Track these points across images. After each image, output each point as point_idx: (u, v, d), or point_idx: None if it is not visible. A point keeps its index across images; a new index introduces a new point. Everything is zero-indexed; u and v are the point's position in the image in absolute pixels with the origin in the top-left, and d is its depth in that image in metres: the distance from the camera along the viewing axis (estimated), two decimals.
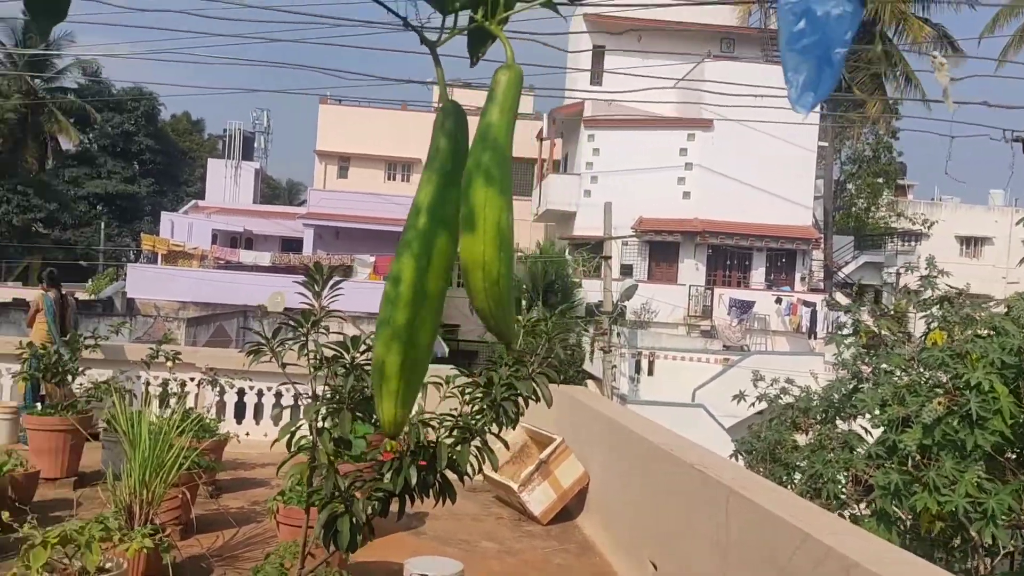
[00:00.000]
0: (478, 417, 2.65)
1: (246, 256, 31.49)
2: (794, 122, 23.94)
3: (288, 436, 2.69)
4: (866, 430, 6.65)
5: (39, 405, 7.61)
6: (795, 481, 7.23)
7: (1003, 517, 5.08)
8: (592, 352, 21.67)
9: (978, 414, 5.23)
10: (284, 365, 3.00)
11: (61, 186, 48.54)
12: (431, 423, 2.72)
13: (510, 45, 0.87)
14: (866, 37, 27.91)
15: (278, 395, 9.13)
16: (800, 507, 3.96)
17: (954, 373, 5.41)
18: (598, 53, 31.52)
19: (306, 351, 2.93)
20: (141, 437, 4.82)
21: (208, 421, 6.68)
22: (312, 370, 2.80)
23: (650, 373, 22.11)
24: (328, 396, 2.68)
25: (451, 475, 2.65)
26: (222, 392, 8.52)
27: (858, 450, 6.46)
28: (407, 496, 2.59)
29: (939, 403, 5.41)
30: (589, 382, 21.50)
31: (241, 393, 8.92)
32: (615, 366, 19.40)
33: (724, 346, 25.89)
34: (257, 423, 9.09)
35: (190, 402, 8.36)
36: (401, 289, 0.85)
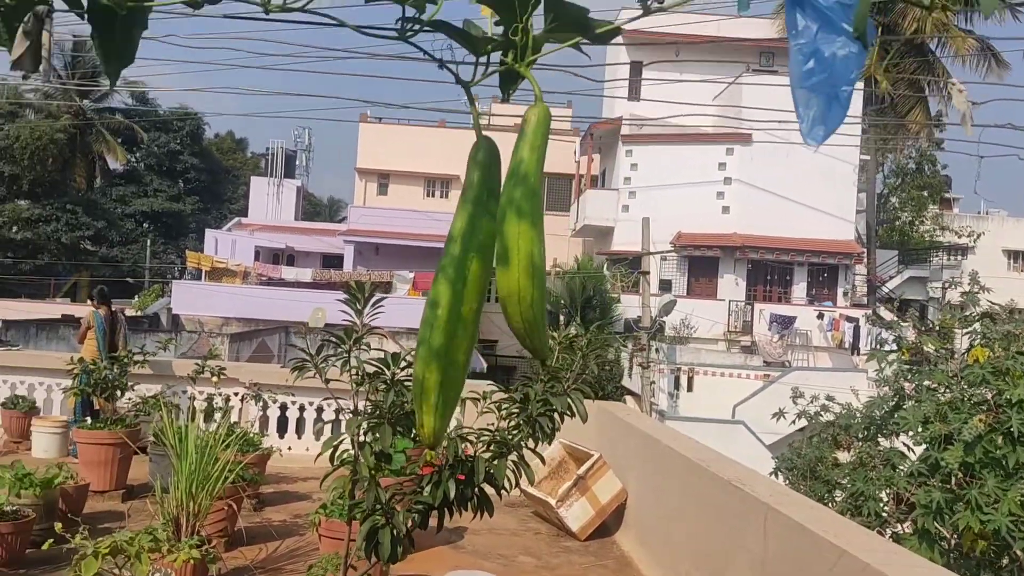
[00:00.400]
0: (515, 432, 2.71)
1: (288, 272, 31.94)
2: (835, 134, 23.74)
3: (331, 450, 2.77)
4: (909, 447, 6.58)
5: (88, 419, 7.82)
6: (836, 499, 7.17)
7: None
8: (631, 368, 21.60)
9: (1020, 431, 5.18)
10: (327, 381, 3.09)
11: (108, 204, 49.73)
12: (468, 438, 2.78)
13: (538, 85, 0.93)
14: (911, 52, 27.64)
15: (319, 410, 9.27)
16: (838, 524, 3.95)
17: (996, 390, 5.35)
18: (635, 68, 31.58)
19: (348, 367, 3.02)
20: (188, 451, 4.96)
21: (252, 435, 6.81)
22: (354, 386, 2.88)
23: (689, 389, 21.96)
24: (369, 411, 2.76)
25: (489, 489, 2.71)
26: (265, 407, 8.67)
27: (900, 468, 6.40)
28: (446, 509, 2.65)
29: (980, 420, 5.35)
30: (628, 398, 21.42)
31: (284, 408, 9.08)
32: (654, 382, 19.31)
33: (765, 362, 25.63)
34: (299, 437, 9.23)
35: (234, 416, 8.53)
36: (439, 312, 0.92)
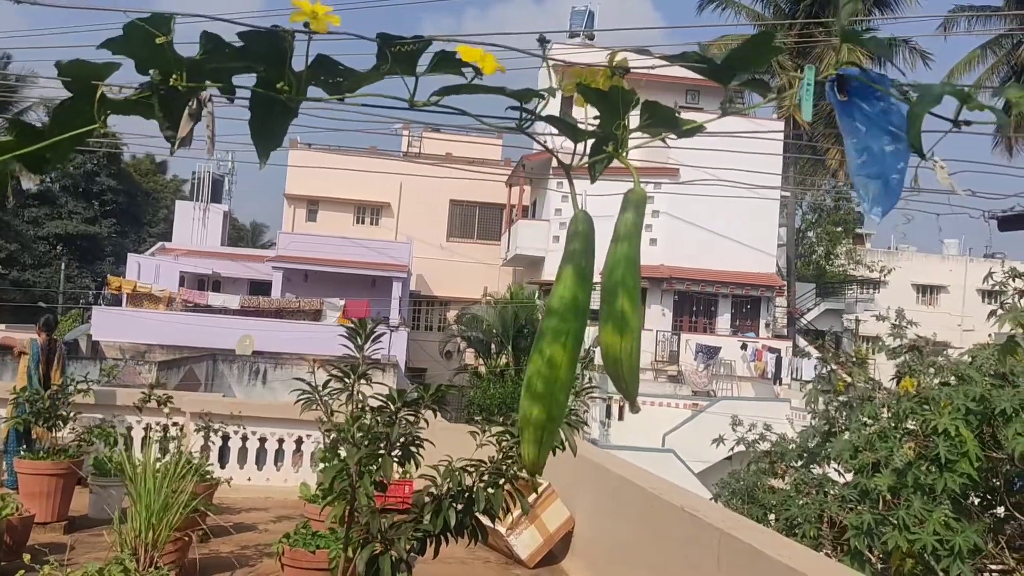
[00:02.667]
0: (509, 462, 2.86)
1: (215, 299, 31.35)
2: (757, 171, 24.66)
3: (331, 479, 2.86)
4: (839, 472, 6.95)
5: (23, 449, 7.63)
6: (770, 522, 7.48)
7: (968, 556, 5.36)
8: (575, 395, 21.82)
9: (946, 458, 5.55)
10: (332, 413, 3.19)
11: (20, 226, 48.03)
12: (468, 469, 2.92)
13: (635, 171, 1.11)
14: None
15: (262, 440, 9.22)
16: (788, 546, 4.19)
17: (923, 419, 5.72)
18: (567, 101, 32.18)
19: (352, 400, 3.12)
20: (147, 481, 4.94)
21: (201, 465, 6.76)
22: (352, 419, 2.99)
23: (620, 418, 22.34)
24: (366, 442, 2.87)
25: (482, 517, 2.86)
26: (207, 436, 8.59)
27: (831, 493, 6.74)
28: (443, 537, 2.78)
29: (909, 448, 5.71)
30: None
31: (226, 438, 8.99)
32: (587, 411, 19.62)
33: (692, 391, 26.25)
34: (241, 467, 9.15)
35: (175, 446, 8.41)
36: (558, 372, 1.10)
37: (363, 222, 38.91)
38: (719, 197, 25.84)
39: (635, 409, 1.20)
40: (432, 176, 29.87)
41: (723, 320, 30.52)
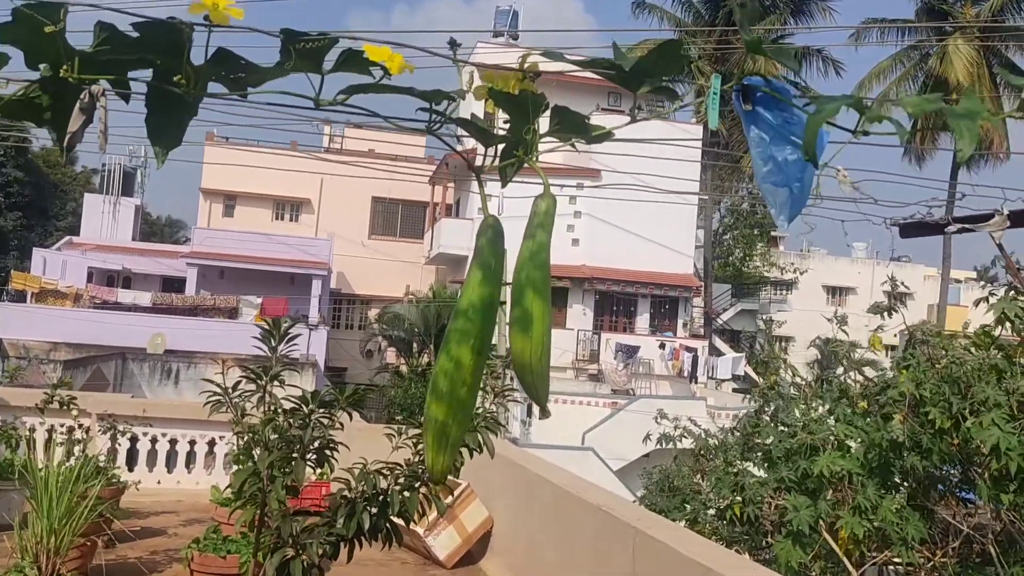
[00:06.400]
0: (424, 466, 2.83)
1: (125, 295, 30.35)
2: (676, 175, 25.12)
3: (241, 483, 2.79)
4: (759, 467, 7.15)
5: None
6: (687, 510, 7.68)
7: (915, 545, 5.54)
8: (493, 396, 21.83)
9: (927, 446, 5.63)
10: (244, 415, 3.10)
11: None
12: (383, 472, 2.88)
13: (545, 176, 1.10)
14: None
15: (173, 442, 8.96)
16: (702, 544, 4.28)
17: (912, 396, 5.77)
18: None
19: (264, 403, 3.05)
20: (48, 486, 4.74)
21: (108, 468, 6.53)
22: (263, 421, 2.91)
23: (541, 417, 22.46)
24: (279, 445, 2.80)
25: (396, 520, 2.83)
26: (114, 438, 8.29)
27: (752, 480, 6.90)
28: (357, 540, 2.74)
29: (900, 418, 5.79)
30: None
31: (134, 440, 8.71)
32: (508, 410, 19.67)
33: (612, 390, 26.59)
34: (150, 470, 8.87)
35: (79, 449, 8.10)
36: (463, 373, 1.09)
37: (282, 218, 38.23)
38: (639, 201, 26.21)
39: (545, 414, 1.19)
40: (354, 175, 29.52)
41: (642, 320, 31.01)
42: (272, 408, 2.99)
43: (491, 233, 1.15)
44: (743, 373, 31.27)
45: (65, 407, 7.10)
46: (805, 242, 52.20)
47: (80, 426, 7.95)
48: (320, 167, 33.85)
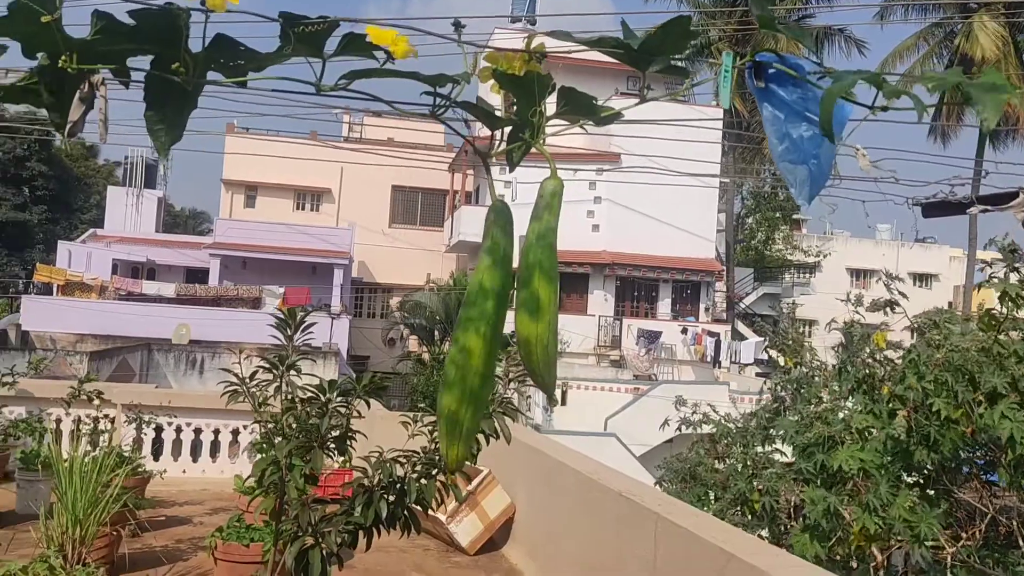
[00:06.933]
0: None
1: (149, 287, 30.61)
2: (697, 158, 24.94)
3: (261, 472, 2.80)
4: (781, 452, 7.08)
5: None
6: (711, 500, 7.60)
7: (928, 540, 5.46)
8: (507, 382, 21.87)
9: (934, 437, 5.56)
10: (261, 405, 3.10)
11: None
12: (399, 460, 2.88)
13: (552, 159, 1.08)
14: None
15: (197, 431, 9.04)
16: (724, 530, 4.25)
17: (916, 391, 5.69)
18: None
19: (281, 392, 3.05)
20: (73, 476, 4.79)
21: (132, 459, 6.60)
22: (282, 410, 2.92)
23: (563, 403, 22.47)
24: (296, 434, 2.81)
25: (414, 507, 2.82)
26: (139, 428, 8.38)
27: (773, 470, 6.83)
28: (375, 529, 2.74)
29: (903, 415, 5.73)
30: None
31: (159, 429, 8.79)
32: (530, 396, 19.68)
33: (634, 376, 26.53)
34: (175, 460, 8.95)
35: (105, 439, 8.19)
36: (473, 361, 1.07)
37: (303, 208, 38.36)
38: (659, 184, 26.08)
39: (553, 401, 1.17)
40: (374, 163, 29.56)
41: (664, 305, 30.88)
42: (290, 397, 2.99)
43: (499, 218, 1.12)
44: (766, 357, 31.10)
45: (92, 400, 7.18)
46: (828, 225, 51.76)
47: (105, 417, 8.05)
48: (340, 156, 33.93)
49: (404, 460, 2.84)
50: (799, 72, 1.08)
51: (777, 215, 41.92)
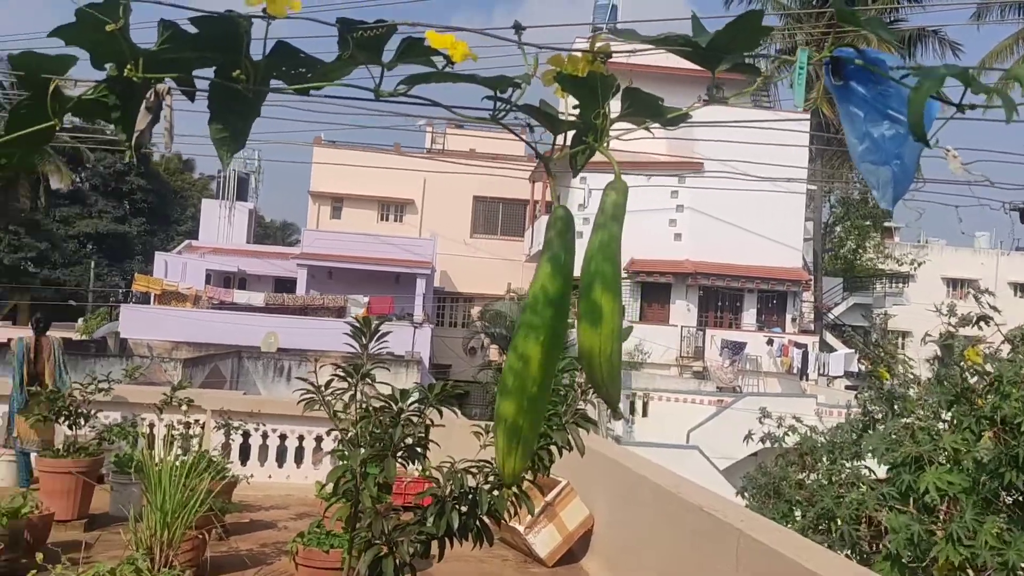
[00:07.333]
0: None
1: (240, 296, 31.56)
2: (783, 164, 24.37)
3: (336, 480, 2.82)
4: (871, 471, 6.79)
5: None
6: (796, 518, 7.35)
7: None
8: (586, 393, 21.75)
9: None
10: (335, 414, 3.14)
11: (51, 225, 48.65)
12: (471, 470, 2.87)
13: (616, 163, 1.04)
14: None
15: (283, 437, 9.24)
16: (808, 548, 4.10)
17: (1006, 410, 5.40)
18: None
19: (355, 401, 3.08)
20: (162, 480, 4.94)
21: (220, 463, 6.77)
22: (356, 419, 2.94)
23: (644, 414, 22.19)
24: (370, 442, 2.82)
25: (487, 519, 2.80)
26: (228, 434, 8.61)
27: (863, 489, 6.54)
28: (447, 539, 2.73)
29: (988, 438, 5.44)
30: None
31: (246, 435, 9.02)
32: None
33: (717, 387, 26.04)
34: (262, 465, 9.16)
35: (195, 444, 8.44)
36: (531, 369, 1.03)
37: (387, 219, 38.99)
38: (744, 191, 25.59)
39: (618, 414, 1.13)
40: (456, 172, 29.85)
41: (749, 315, 30.25)
42: (364, 406, 3.01)
43: (560, 225, 1.09)
44: (856, 370, 30.12)
45: (183, 406, 7.42)
46: (923, 233, 49.93)
47: (196, 422, 8.31)
48: (423, 167, 34.38)
49: (476, 471, 2.82)
50: (880, 68, 1.02)
51: (868, 223, 40.63)
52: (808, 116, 29.43)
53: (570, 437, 2.83)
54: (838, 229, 41.90)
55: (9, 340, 8.95)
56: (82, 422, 7.28)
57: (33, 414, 7.51)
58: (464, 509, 2.69)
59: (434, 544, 2.69)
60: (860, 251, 41.73)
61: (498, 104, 1.05)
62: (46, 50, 1.02)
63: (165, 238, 55.80)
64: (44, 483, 6.90)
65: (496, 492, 2.77)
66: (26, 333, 8.63)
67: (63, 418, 7.15)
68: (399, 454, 2.84)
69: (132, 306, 31.22)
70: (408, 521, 2.75)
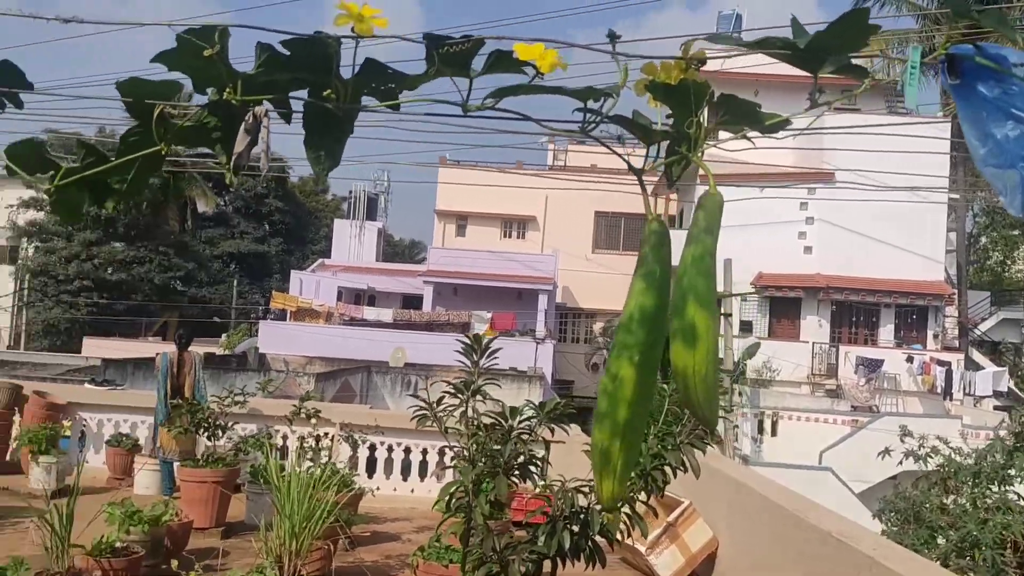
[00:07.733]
0: (627, 485, 2.73)
1: (369, 312, 32.53)
2: (922, 173, 23.18)
3: (448, 497, 2.84)
4: (1020, 496, 6.33)
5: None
6: (938, 544, 6.91)
7: None
8: None
9: None
10: (446, 430, 3.17)
11: (198, 246, 51.56)
12: (583, 490, 2.83)
13: (711, 174, 1.00)
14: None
15: (407, 451, 9.41)
16: None
17: None
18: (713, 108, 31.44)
19: (466, 417, 3.10)
20: (291, 491, 5.11)
21: (347, 475, 6.96)
22: (467, 435, 2.96)
23: (773, 434, 21.44)
24: (483, 460, 2.83)
25: (600, 540, 2.75)
26: (355, 447, 8.85)
27: (1008, 516, 6.11)
28: (559, 559, 2.69)
29: None
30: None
31: (372, 448, 9.23)
32: (737, 426, 18.95)
33: (852, 407, 24.90)
34: (387, 477, 9.36)
35: (324, 456, 8.71)
36: (624, 391, 0.99)
37: (510, 236, 39.38)
38: (880, 202, 24.48)
39: (716, 438, 1.07)
40: (577, 188, 29.87)
41: (886, 331, 28.83)
42: (475, 422, 3.02)
43: (654, 239, 1.05)
44: (1007, 389, 28.18)
45: (311, 419, 7.68)
46: None
47: (325, 435, 8.58)
48: (544, 184, 34.59)
49: (588, 490, 2.78)
50: (1002, 65, 0.94)
51: (1015, 232, 38.10)
52: (948, 121, 27.90)
53: (684, 458, 2.74)
54: (983, 240, 39.49)
55: (156, 355, 9.48)
56: (220, 433, 7.63)
57: (175, 426, 7.95)
58: (576, 529, 2.65)
59: (546, 563, 2.67)
60: (1008, 263, 39.17)
61: (587, 116, 1.02)
62: (150, 76, 1.06)
63: (300, 256, 58.20)
64: (185, 492, 7.27)
65: (608, 513, 2.71)
66: (171, 348, 9.14)
67: (203, 430, 7.52)
68: (511, 472, 2.82)
69: (270, 322, 32.69)
70: (521, 539, 2.73)
